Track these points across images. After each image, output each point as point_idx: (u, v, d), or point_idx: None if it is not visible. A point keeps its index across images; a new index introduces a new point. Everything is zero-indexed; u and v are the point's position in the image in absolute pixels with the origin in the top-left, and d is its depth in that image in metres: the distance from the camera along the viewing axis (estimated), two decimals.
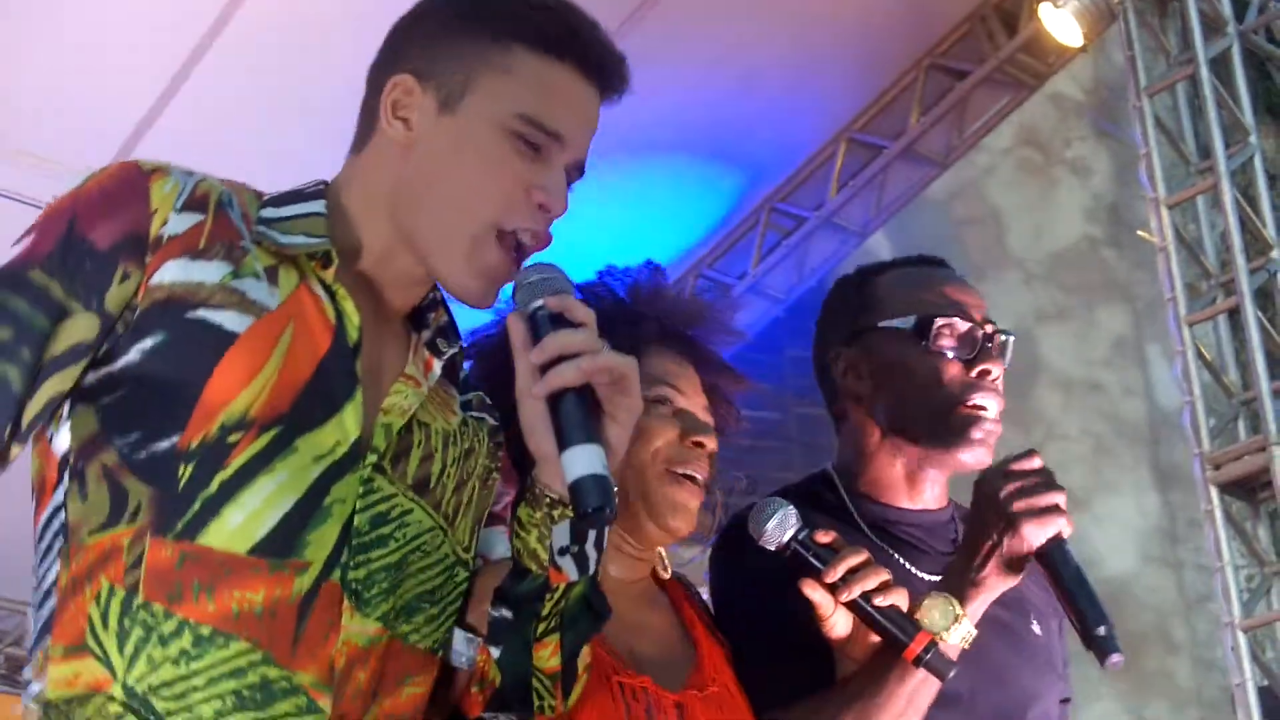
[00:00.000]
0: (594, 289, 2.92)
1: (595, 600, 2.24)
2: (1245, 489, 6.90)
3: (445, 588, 2.26)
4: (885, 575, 2.68)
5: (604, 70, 2.31)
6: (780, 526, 2.71)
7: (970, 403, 3.05)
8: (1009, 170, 12.08)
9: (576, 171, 2.32)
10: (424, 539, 2.21)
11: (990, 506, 2.80)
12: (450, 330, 2.36)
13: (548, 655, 2.24)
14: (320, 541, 2.08)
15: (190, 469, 2.05)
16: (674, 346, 2.92)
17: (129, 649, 2.02)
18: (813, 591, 2.68)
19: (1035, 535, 2.75)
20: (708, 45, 6.99)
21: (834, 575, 2.66)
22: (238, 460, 2.06)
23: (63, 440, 2.12)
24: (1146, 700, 11.29)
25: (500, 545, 2.36)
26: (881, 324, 3.14)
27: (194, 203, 2.15)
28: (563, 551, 2.17)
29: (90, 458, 2.08)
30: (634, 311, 2.90)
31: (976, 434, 3.05)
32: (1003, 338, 3.15)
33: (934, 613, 2.69)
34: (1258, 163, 7.10)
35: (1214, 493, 6.78)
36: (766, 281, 8.06)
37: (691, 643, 2.83)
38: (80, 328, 2.06)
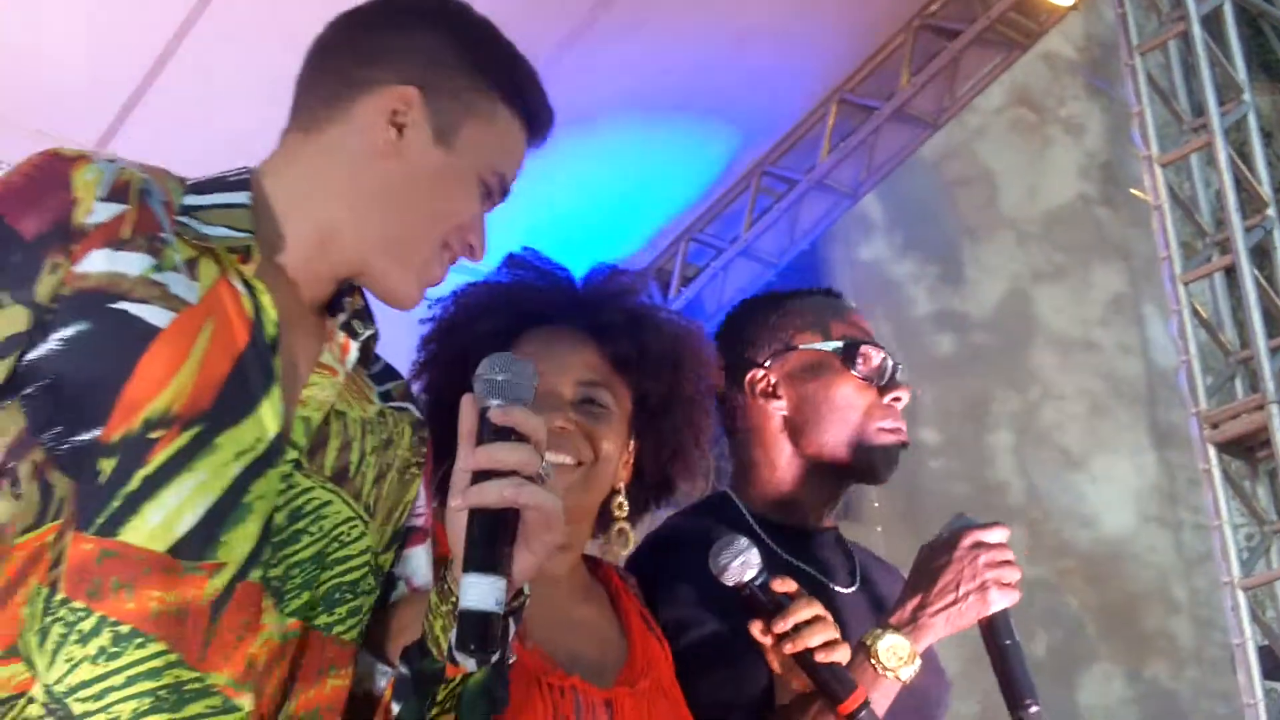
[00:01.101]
0: (522, 284, 3.04)
1: (497, 691, 2.22)
2: (1243, 448, 6.91)
3: (366, 579, 2.28)
4: (832, 632, 2.77)
5: (544, 131, 2.46)
6: (743, 567, 2.77)
7: (887, 426, 3.22)
8: (1001, 130, 12.05)
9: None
10: (342, 529, 2.23)
11: (959, 561, 2.96)
12: (366, 313, 2.37)
13: None
14: (236, 541, 2.09)
15: (112, 464, 2.04)
16: (595, 341, 2.97)
17: (49, 647, 2.01)
18: (760, 635, 2.78)
19: (998, 603, 2.92)
20: (697, 8, 6.94)
21: (783, 627, 2.75)
22: (159, 457, 2.05)
23: None
24: (1145, 660, 11.30)
25: (423, 568, 2.40)
26: (803, 346, 3.26)
27: (116, 192, 2.15)
28: (463, 650, 2.08)
29: (21, 456, 2.06)
30: (562, 302, 3.01)
31: (892, 460, 3.25)
32: (901, 368, 3.28)
33: (892, 652, 2.89)
34: (1252, 120, 7.08)
35: (1212, 452, 6.79)
36: (758, 245, 8.03)
37: (625, 637, 2.86)
38: (10, 320, 2.05)
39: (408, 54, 2.35)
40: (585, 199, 7.55)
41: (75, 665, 2.01)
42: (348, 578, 2.24)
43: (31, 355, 2.06)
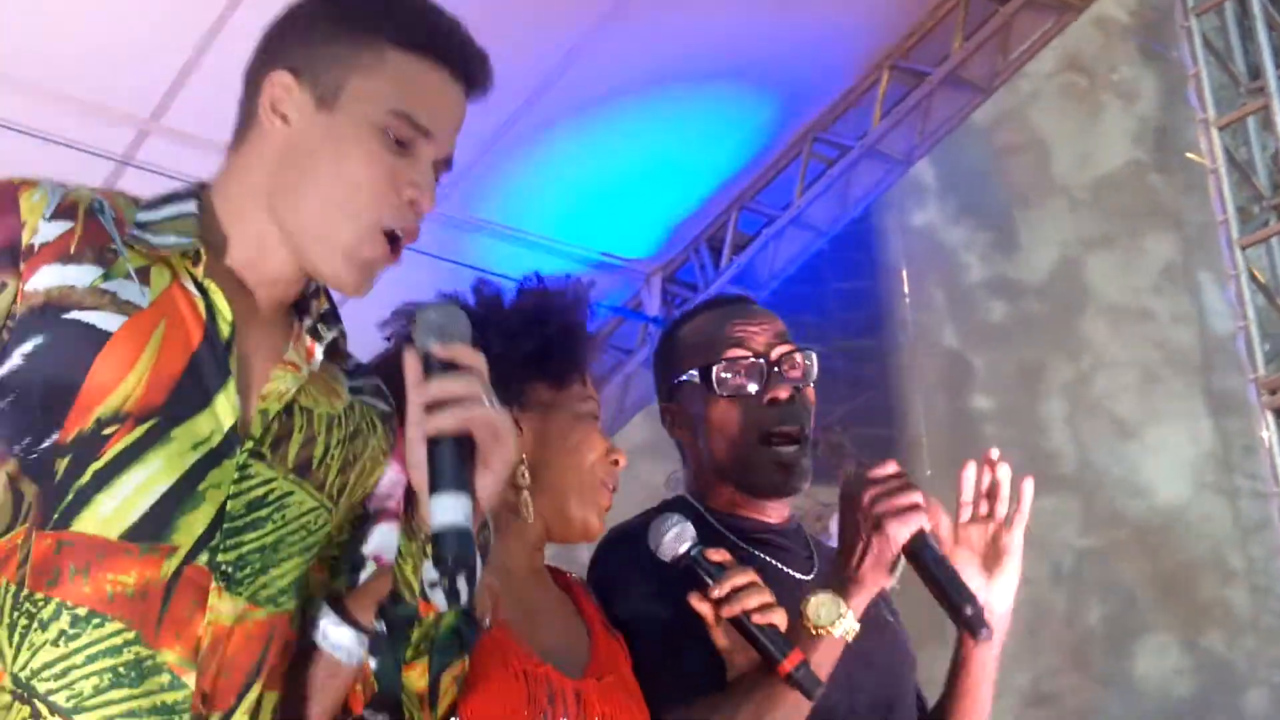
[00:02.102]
0: (551, 293, 3.06)
1: (465, 630, 2.35)
2: None
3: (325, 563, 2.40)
4: (767, 597, 2.85)
5: (468, 67, 2.40)
6: (677, 540, 2.90)
7: (770, 433, 3.21)
8: (1053, 95, 11.99)
9: (445, 165, 2.40)
10: (306, 519, 2.33)
11: (856, 511, 2.99)
12: (331, 315, 2.43)
13: (416, 676, 2.35)
14: (189, 526, 2.18)
15: (66, 462, 2.14)
16: (591, 373, 3.08)
17: (15, 639, 2.12)
18: (699, 604, 2.87)
19: (899, 533, 2.93)
20: None
21: (720, 592, 2.84)
22: (111, 451, 2.15)
23: None
24: (1202, 630, 11.25)
25: (394, 545, 2.42)
26: (679, 379, 3.32)
27: (63, 211, 2.23)
28: (433, 585, 2.25)
29: (2, 468, 2.16)
30: (579, 338, 3.05)
31: (780, 469, 3.21)
32: (799, 356, 3.27)
33: (820, 609, 2.92)
34: None
35: (1270, 417, 6.72)
36: (809, 213, 7.96)
37: (588, 634, 2.97)
38: None
39: (284, 46, 2.38)
40: (635, 169, 7.53)
41: (37, 650, 2.11)
42: (314, 564, 2.36)
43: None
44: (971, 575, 3.11)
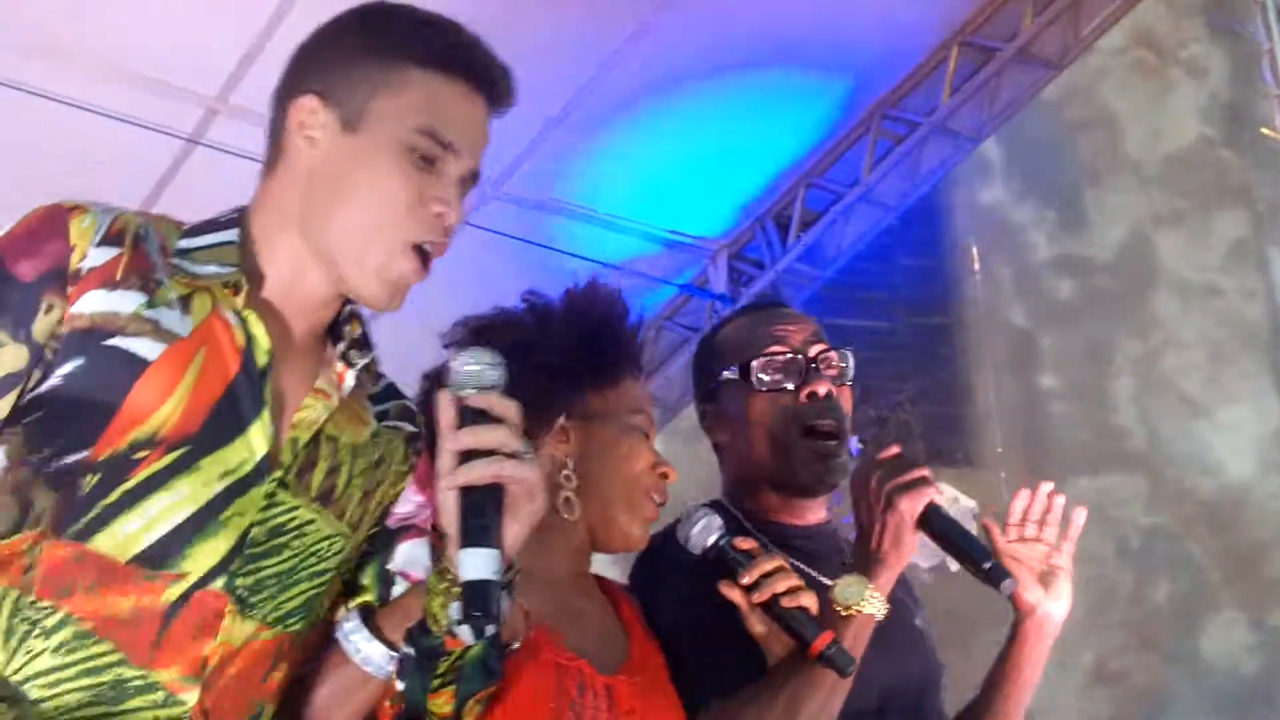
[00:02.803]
0: (596, 301, 3.17)
1: (491, 661, 2.45)
2: None
3: (335, 586, 2.51)
4: (795, 581, 2.95)
5: (490, 82, 2.50)
6: (705, 531, 3.02)
7: (807, 427, 3.33)
8: (1122, 72, 11.89)
9: (472, 179, 2.49)
10: (321, 545, 2.44)
11: (868, 495, 3.12)
12: (363, 342, 2.54)
13: (442, 702, 2.43)
14: (202, 554, 2.28)
15: (95, 479, 2.24)
16: (644, 383, 3.21)
17: (13, 643, 2.22)
18: (730, 592, 2.97)
19: (910, 506, 3.06)
20: None
21: (749, 579, 2.95)
22: (140, 475, 2.25)
23: None
24: (1270, 608, 11.18)
25: (422, 561, 2.58)
26: (718, 379, 3.45)
27: (111, 238, 2.34)
28: (460, 622, 2.32)
29: (9, 473, 2.27)
30: (619, 339, 3.17)
31: (818, 466, 3.35)
32: (835, 355, 3.39)
33: (847, 590, 3.05)
34: None
35: None
36: (878, 190, 7.92)
37: (625, 636, 3.07)
38: (10, 358, 2.26)
39: (309, 70, 2.48)
40: (703, 146, 7.51)
41: (35, 656, 2.21)
42: (324, 589, 2.47)
43: (38, 391, 2.27)
44: (1032, 587, 3.34)
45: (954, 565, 3.35)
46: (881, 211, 8.06)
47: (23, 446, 2.28)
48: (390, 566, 2.60)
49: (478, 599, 2.23)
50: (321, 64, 2.48)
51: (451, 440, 2.29)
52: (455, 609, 2.32)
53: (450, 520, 2.29)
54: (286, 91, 2.49)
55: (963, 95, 7.53)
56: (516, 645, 2.54)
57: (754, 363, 3.34)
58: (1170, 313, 11.71)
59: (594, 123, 7.11)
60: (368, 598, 2.58)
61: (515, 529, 2.31)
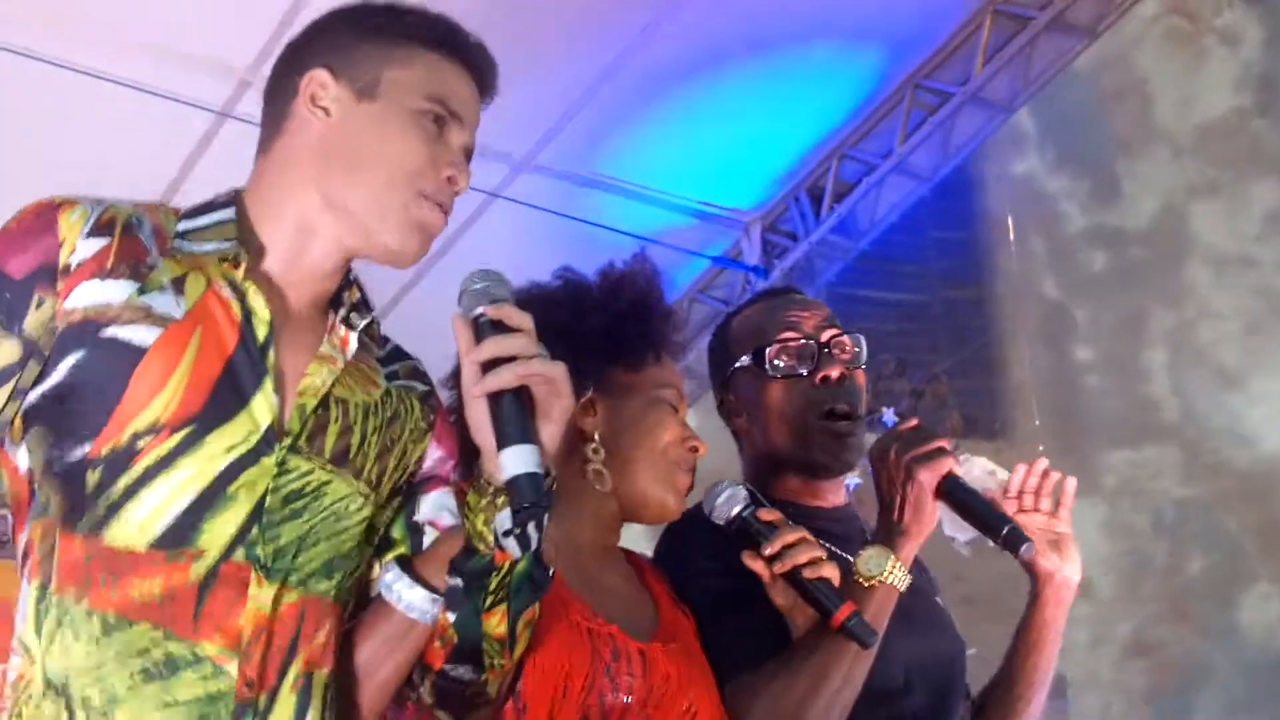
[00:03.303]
0: (631, 278, 3.18)
1: (537, 574, 2.49)
2: None
3: (363, 548, 2.54)
4: (818, 552, 2.96)
5: (483, 71, 2.61)
6: (729, 502, 3.05)
7: (824, 411, 3.35)
8: (1156, 40, 11.85)
9: (469, 155, 2.58)
10: (340, 505, 2.47)
11: (887, 468, 3.16)
12: (362, 304, 2.60)
13: (496, 623, 2.49)
14: (217, 529, 2.32)
15: (98, 474, 2.29)
16: (675, 361, 3.23)
17: (44, 636, 2.29)
18: (753, 563, 2.99)
19: (929, 476, 3.10)
20: None
21: (771, 550, 2.97)
22: (142, 462, 2.30)
23: (23, 459, 2.38)
24: None
25: (450, 508, 2.62)
26: (734, 366, 3.47)
27: (100, 228, 2.39)
28: (506, 534, 2.39)
29: (30, 468, 2.35)
30: (650, 322, 3.18)
31: (836, 446, 3.36)
32: (847, 340, 3.41)
33: (869, 562, 3.08)
34: None
35: None
36: (911, 160, 7.89)
37: (654, 606, 3.09)
38: (5, 351, 2.32)
39: (315, 50, 2.57)
40: (736, 118, 7.49)
41: (70, 652, 2.27)
42: (344, 548, 2.48)
43: (42, 388, 2.34)
44: (1045, 552, 3.35)
45: (964, 539, 3.37)
46: (915, 183, 8.03)
47: (40, 443, 2.35)
48: (417, 518, 2.64)
49: (527, 491, 2.28)
50: (329, 42, 2.57)
51: (473, 354, 2.35)
52: (501, 519, 2.39)
53: (483, 430, 2.35)
54: (288, 71, 2.57)
55: (996, 64, 7.50)
56: (552, 570, 2.58)
57: (767, 350, 3.38)
58: (1204, 284, 11.68)
59: (627, 95, 7.09)
60: (401, 550, 2.61)
61: (550, 428, 2.37)
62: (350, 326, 2.56)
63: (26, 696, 2.28)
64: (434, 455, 2.67)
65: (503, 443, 2.31)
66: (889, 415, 3.36)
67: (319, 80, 2.52)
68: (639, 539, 3.36)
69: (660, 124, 7.37)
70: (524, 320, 2.37)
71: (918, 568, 3.23)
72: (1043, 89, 7.73)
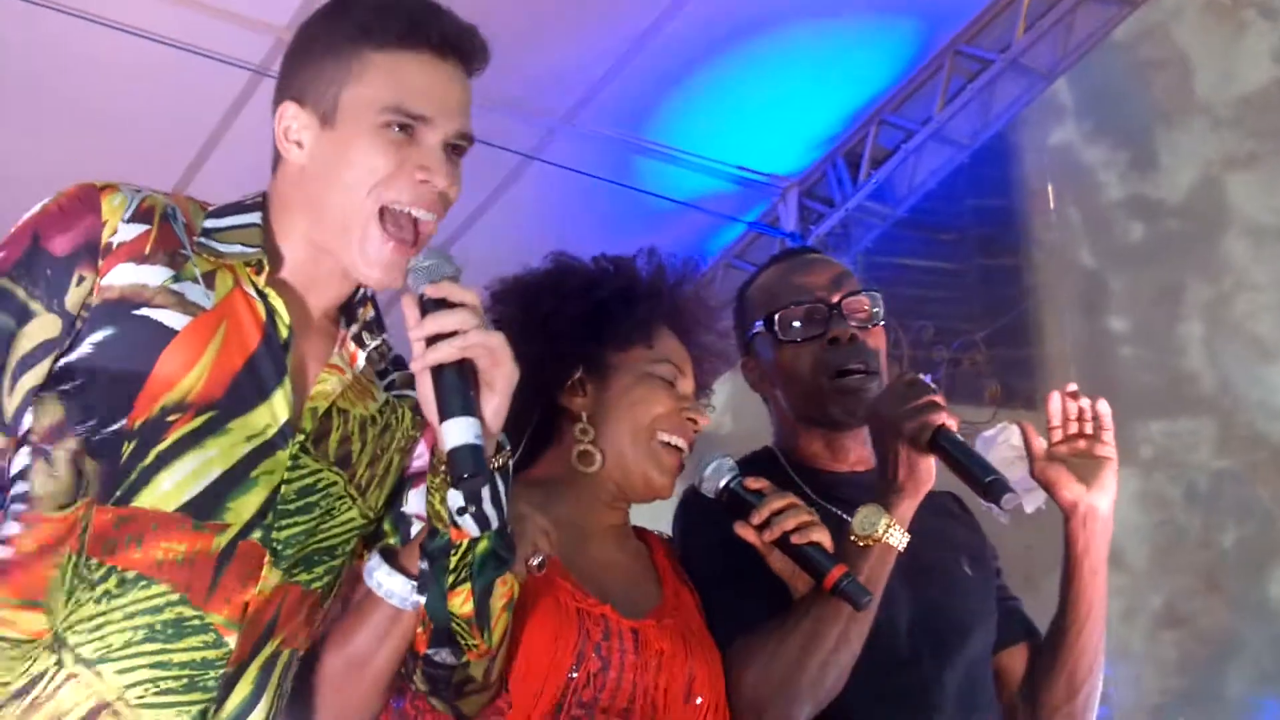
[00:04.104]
0: (621, 264, 3.26)
1: (502, 551, 2.56)
2: None
3: (346, 545, 2.66)
4: (806, 517, 3.01)
5: (452, 45, 2.61)
6: (716, 474, 3.10)
7: (834, 371, 3.39)
8: (1196, 11, 11.77)
9: (465, 140, 2.63)
10: (335, 505, 2.60)
11: (883, 425, 3.18)
12: (375, 324, 2.71)
13: (460, 602, 2.56)
14: (240, 507, 2.46)
15: (132, 445, 2.41)
16: (681, 335, 3.25)
17: (68, 601, 2.39)
18: (744, 532, 3.03)
19: (922, 432, 3.10)
20: None
21: (760, 518, 3.01)
22: (173, 436, 2.42)
23: (23, 423, 2.46)
24: None
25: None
26: (750, 333, 3.54)
27: (140, 215, 2.50)
28: (461, 512, 2.48)
29: (56, 442, 2.43)
30: (657, 293, 3.24)
31: (849, 401, 3.38)
32: (861, 299, 3.46)
33: (863, 521, 3.09)
34: None
35: None
36: (950, 127, 7.87)
37: (659, 584, 3.13)
38: (45, 327, 2.42)
39: (288, 77, 2.65)
40: (774, 83, 7.48)
41: (80, 605, 2.38)
42: (327, 544, 2.61)
43: (69, 358, 2.43)
44: (1070, 484, 3.33)
45: (1029, 507, 3.34)
46: (953, 150, 8.00)
47: (65, 416, 2.44)
48: (405, 509, 2.75)
49: (464, 462, 2.34)
50: (295, 71, 2.64)
51: (416, 330, 2.42)
52: (454, 496, 2.48)
53: (428, 404, 2.44)
54: (275, 100, 2.66)
55: (1037, 31, 7.48)
56: (541, 559, 2.71)
57: (779, 315, 3.42)
58: (1241, 256, 11.61)
59: (667, 59, 7.09)
60: (390, 541, 2.73)
61: (494, 400, 2.45)
62: (360, 345, 2.68)
63: (28, 656, 2.38)
64: (422, 451, 2.77)
65: (443, 416, 2.39)
66: (926, 380, 3.35)
67: (290, 114, 2.61)
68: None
69: (699, 88, 7.36)
70: (466, 296, 2.45)
71: (960, 529, 3.23)
72: (1082, 57, 7.69)
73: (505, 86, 6.54)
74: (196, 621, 2.42)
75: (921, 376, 3.26)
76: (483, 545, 2.53)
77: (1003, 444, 3.28)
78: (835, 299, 3.41)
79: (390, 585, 2.62)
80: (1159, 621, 10.69)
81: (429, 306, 2.43)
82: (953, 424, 3.12)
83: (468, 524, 2.48)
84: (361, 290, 2.70)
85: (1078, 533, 3.35)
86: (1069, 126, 11.62)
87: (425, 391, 2.44)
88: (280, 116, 2.62)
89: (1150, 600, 10.56)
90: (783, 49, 7.22)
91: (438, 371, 2.40)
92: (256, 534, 2.47)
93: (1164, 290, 11.49)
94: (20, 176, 2.60)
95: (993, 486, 3.03)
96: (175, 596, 2.40)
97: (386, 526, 2.75)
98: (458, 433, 2.35)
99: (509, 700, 2.76)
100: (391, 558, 2.66)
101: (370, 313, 2.71)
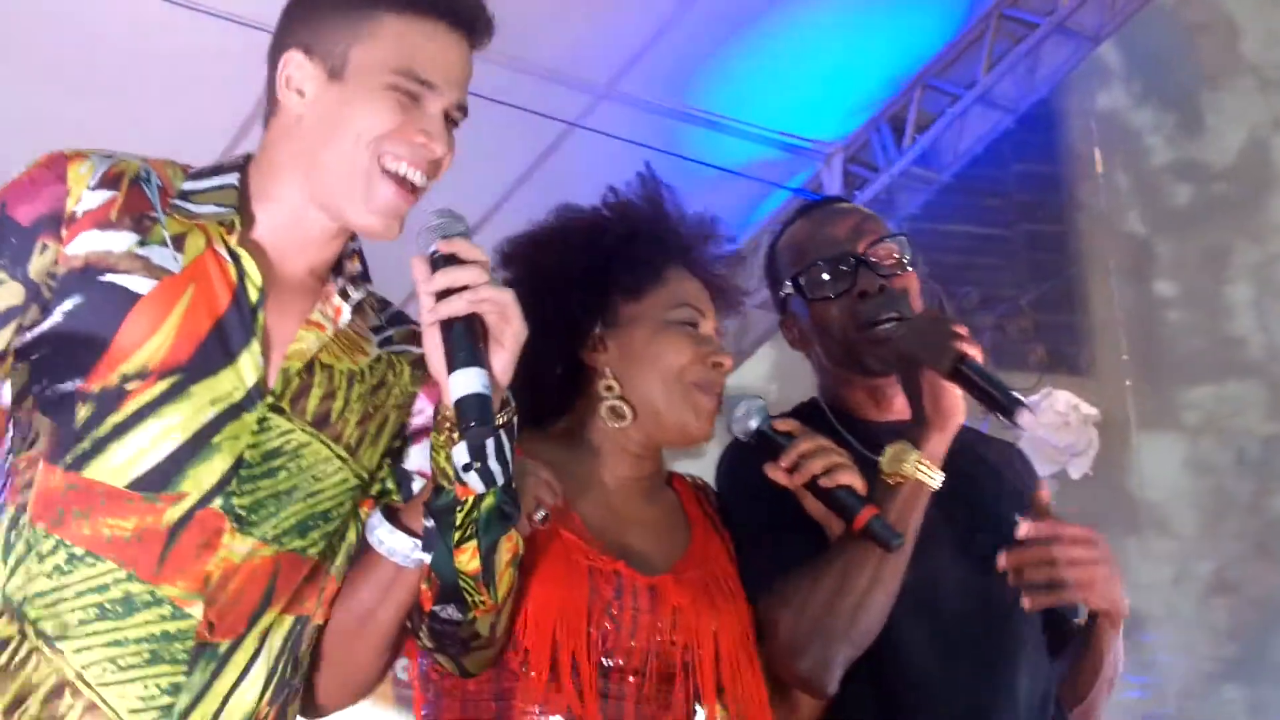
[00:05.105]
0: (623, 208, 3.18)
1: (507, 507, 2.53)
2: None
3: (340, 507, 2.62)
4: (834, 459, 2.95)
5: (463, 19, 2.62)
6: (746, 417, 3.02)
7: (865, 323, 3.29)
8: None
9: (461, 113, 2.63)
10: (319, 468, 2.58)
11: (906, 360, 3.12)
12: (360, 277, 2.69)
13: (467, 559, 2.53)
14: (200, 475, 2.44)
15: (88, 410, 2.41)
16: (696, 272, 3.17)
17: (12, 560, 2.40)
18: (774, 474, 2.97)
19: (943, 359, 3.04)
20: None
21: (788, 461, 2.96)
22: (131, 405, 2.42)
23: (5, 396, 2.49)
24: None
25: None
26: (781, 293, 3.45)
27: (107, 181, 2.51)
28: (466, 468, 2.44)
29: (19, 405, 2.47)
30: (661, 232, 3.16)
31: (880, 350, 3.26)
32: (888, 246, 3.36)
33: (894, 458, 3.02)
34: None
35: None
36: (996, 91, 7.79)
37: (687, 535, 3.08)
38: (7, 294, 2.43)
39: (294, 27, 2.62)
40: (817, 48, 7.43)
41: (32, 578, 2.39)
42: (320, 508, 2.58)
43: (41, 327, 2.44)
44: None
45: (1076, 473, 3.31)
46: (999, 114, 7.94)
47: (28, 379, 2.46)
48: (406, 465, 2.73)
49: (471, 411, 2.33)
50: (304, 21, 2.62)
51: (427, 285, 2.41)
52: (458, 452, 2.45)
53: (436, 357, 2.41)
54: (275, 48, 2.63)
55: None
56: (545, 513, 2.68)
57: (805, 274, 3.36)
58: None
59: (710, 24, 7.05)
60: (392, 498, 2.70)
61: (502, 355, 2.42)
62: (345, 298, 2.65)
63: None
64: (422, 407, 2.74)
65: (451, 367, 2.37)
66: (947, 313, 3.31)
67: (295, 62, 2.59)
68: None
69: (741, 54, 7.32)
70: (476, 253, 2.43)
71: (993, 516, 3.21)
72: (1128, 20, 7.63)
73: (548, 55, 6.53)
74: (147, 596, 2.40)
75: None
76: (488, 501, 2.50)
77: (1048, 409, 3.24)
78: (860, 249, 3.33)
79: (392, 543, 2.60)
80: (1209, 588, 10.66)
81: (439, 263, 2.42)
82: (976, 354, 3.07)
83: (473, 480, 2.46)
84: (350, 245, 2.70)
85: (1106, 631, 3.25)
86: (1115, 90, 11.58)
87: (433, 346, 2.42)
88: (285, 64, 2.60)
89: (1199, 566, 10.53)
90: (826, 13, 7.18)
91: (447, 326, 2.40)
92: (217, 501, 2.45)
93: (1211, 254, 11.45)
94: (62, 142, 2.60)
95: (1010, 403, 3.00)
96: (122, 574, 2.40)
97: (389, 484, 2.73)
98: (465, 383, 2.35)
99: (526, 661, 2.74)
100: (393, 515, 2.63)
101: (357, 266, 2.70)
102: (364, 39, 2.56)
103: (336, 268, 2.67)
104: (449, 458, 2.47)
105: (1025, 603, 3.00)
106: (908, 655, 3.09)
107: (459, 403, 2.34)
